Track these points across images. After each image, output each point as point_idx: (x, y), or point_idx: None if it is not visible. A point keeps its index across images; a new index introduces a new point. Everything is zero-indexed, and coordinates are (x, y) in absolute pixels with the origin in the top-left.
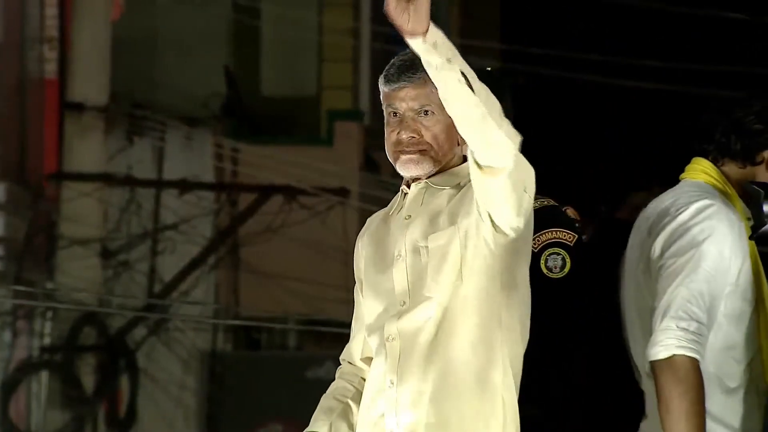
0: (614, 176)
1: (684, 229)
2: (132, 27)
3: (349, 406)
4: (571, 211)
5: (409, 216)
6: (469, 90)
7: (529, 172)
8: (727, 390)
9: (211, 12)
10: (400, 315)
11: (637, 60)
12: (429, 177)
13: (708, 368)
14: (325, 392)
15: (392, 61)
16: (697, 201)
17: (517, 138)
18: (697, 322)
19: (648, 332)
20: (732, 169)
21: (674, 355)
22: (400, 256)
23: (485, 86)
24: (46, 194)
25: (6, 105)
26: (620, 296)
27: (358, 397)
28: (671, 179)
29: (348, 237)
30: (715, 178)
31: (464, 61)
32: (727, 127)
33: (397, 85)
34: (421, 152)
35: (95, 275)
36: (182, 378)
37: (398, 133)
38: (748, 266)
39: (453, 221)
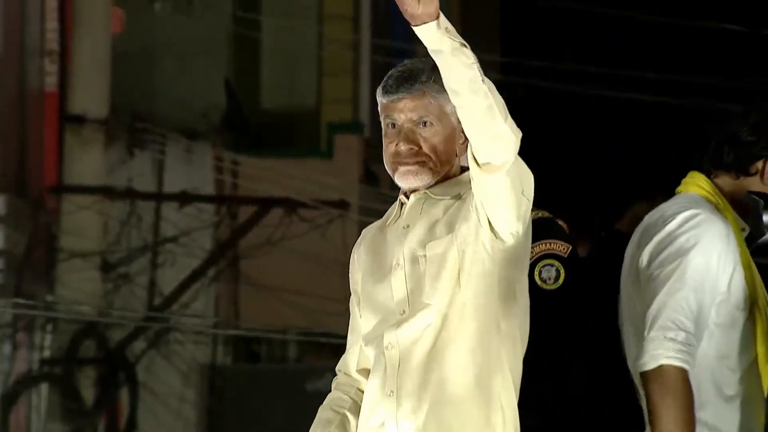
0: (615, 185)
1: (671, 239)
2: (132, 40)
3: (347, 417)
4: (560, 222)
5: (408, 225)
6: (480, 77)
7: (527, 175)
8: (726, 398)
9: (210, 25)
10: (399, 324)
11: (638, 72)
12: (428, 188)
13: (703, 376)
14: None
15: (390, 72)
16: (684, 211)
17: (519, 133)
18: (685, 331)
19: (640, 343)
20: (725, 180)
21: (662, 365)
22: (399, 264)
23: (491, 82)
24: (47, 207)
25: (6, 118)
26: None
27: (355, 407)
28: (674, 190)
29: (348, 250)
30: (707, 191)
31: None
32: (720, 139)
33: (395, 96)
34: (420, 163)
35: (95, 288)
36: (182, 391)
37: (397, 144)
38: (740, 275)
39: (450, 229)
